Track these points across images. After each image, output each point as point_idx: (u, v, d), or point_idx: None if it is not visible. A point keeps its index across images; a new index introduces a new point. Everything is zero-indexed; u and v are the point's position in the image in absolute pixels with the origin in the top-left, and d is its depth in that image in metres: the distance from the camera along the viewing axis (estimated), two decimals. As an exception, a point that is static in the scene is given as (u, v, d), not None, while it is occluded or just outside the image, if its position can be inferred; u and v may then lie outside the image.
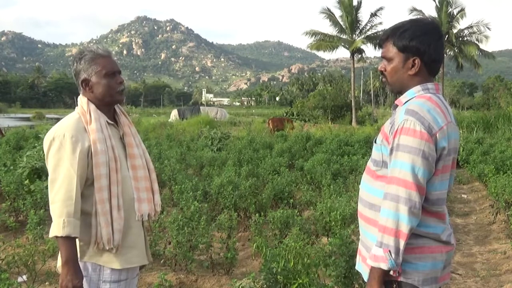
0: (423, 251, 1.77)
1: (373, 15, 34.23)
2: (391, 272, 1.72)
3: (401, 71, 1.85)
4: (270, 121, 23.74)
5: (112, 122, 2.15)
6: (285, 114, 40.47)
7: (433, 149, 1.71)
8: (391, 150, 1.75)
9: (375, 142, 1.90)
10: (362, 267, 1.91)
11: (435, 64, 1.85)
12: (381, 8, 34.08)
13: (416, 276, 1.75)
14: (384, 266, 1.69)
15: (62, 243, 1.95)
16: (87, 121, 2.06)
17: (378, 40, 1.99)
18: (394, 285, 1.76)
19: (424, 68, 1.83)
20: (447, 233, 1.83)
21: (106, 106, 2.14)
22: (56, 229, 1.94)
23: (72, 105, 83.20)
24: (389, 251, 1.68)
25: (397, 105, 1.89)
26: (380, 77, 1.99)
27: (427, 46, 1.80)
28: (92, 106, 2.09)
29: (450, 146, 1.76)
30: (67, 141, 2.00)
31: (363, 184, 1.94)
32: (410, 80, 1.85)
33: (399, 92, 1.91)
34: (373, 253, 1.73)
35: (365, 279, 1.89)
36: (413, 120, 1.70)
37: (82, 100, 2.13)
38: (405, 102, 1.82)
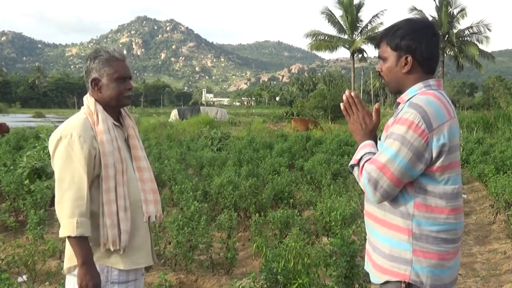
0: (433, 256, 1.75)
1: (374, 16, 34.29)
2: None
3: (395, 69, 1.87)
4: (292, 121, 25.06)
5: (117, 124, 2.15)
6: (285, 114, 40.45)
7: (424, 146, 1.70)
8: (386, 136, 1.78)
9: (379, 139, 1.90)
10: (371, 268, 1.89)
11: (429, 62, 1.85)
12: (382, 10, 34.13)
13: (424, 279, 1.74)
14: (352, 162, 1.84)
15: (77, 243, 1.94)
16: (94, 121, 2.05)
17: (375, 41, 2.00)
18: (403, 285, 1.75)
19: (418, 66, 1.84)
20: (446, 236, 1.79)
21: (112, 108, 2.15)
22: (69, 230, 1.93)
23: (72, 105, 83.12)
24: (357, 164, 1.82)
25: (399, 103, 1.89)
26: (379, 78, 2.01)
27: (418, 43, 1.81)
28: (100, 107, 2.09)
29: (452, 143, 1.75)
30: (75, 140, 1.99)
31: None
32: (405, 78, 1.86)
33: (397, 91, 1.91)
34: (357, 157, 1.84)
35: (373, 280, 1.88)
36: (414, 112, 1.71)
37: (89, 100, 2.12)
38: (408, 100, 1.82)
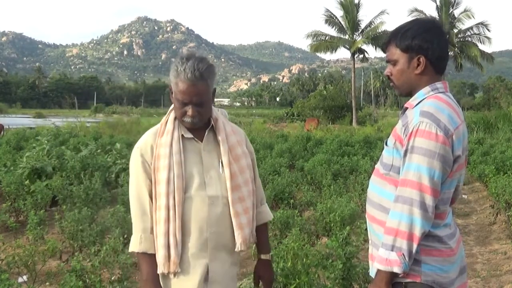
0: (440, 254, 1.74)
1: (376, 16, 34.31)
2: (400, 274, 1.70)
3: (407, 72, 1.83)
4: (307, 120, 28.03)
5: (190, 136, 1.93)
6: (285, 115, 40.60)
7: (449, 151, 1.68)
8: (405, 152, 1.71)
9: (386, 144, 1.86)
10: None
11: (440, 61, 1.83)
12: (382, 12, 34.15)
13: (435, 277, 1.73)
14: (398, 269, 1.66)
15: (140, 259, 1.89)
16: (160, 133, 1.93)
17: (382, 44, 1.97)
18: (403, 286, 1.74)
19: (430, 66, 1.81)
20: (448, 233, 1.80)
21: None
22: (134, 245, 1.89)
23: (73, 106, 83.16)
24: (403, 254, 1.66)
25: (406, 108, 1.85)
26: (381, 78, 1.99)
27: (429, 43, 1.78)
28: (171, 117, 1.94)
29: (463, 145, 1.75)
30: (138, 154, 1.92)
31: (375, 188, 1.89)
32: (418, 80, 1.82)
33: (409, 94, 1.87)
34: (384, 256, 1.69)
35: None
36: (429, 122, 1.67)
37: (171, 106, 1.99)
38: (416, 104, 1.79)
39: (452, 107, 1.76)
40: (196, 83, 1.81)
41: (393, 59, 1.85)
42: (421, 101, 1.79)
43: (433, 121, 1.67)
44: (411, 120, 1.74)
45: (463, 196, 8.76)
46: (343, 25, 34.67)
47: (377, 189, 1.87)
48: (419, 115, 1.71)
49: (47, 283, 4.11)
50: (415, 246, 1.66)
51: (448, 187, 1.75)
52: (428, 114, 1.70)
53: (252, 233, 2.02)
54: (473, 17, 33.07)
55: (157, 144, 1.91)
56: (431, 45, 1.78)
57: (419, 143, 1.67)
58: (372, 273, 1.88)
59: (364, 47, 34.76)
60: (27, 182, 6.67)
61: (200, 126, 1.93)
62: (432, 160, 1.66)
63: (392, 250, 1.68)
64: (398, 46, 1.82)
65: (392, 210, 1.71)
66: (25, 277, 4.10)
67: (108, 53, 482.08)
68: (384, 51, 1.91)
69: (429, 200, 1.66)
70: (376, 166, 1.92)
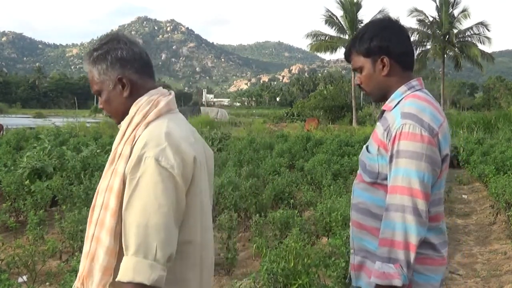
0: (433, 262, 1.69)
1: (374, 16, 34.31)
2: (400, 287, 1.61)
3: (374, 75, 1.77)
4: (307, 120, 28.02)
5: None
6: (285, 115, 40.65)
7: (436, 151, 1.62)
8: (391, 157, 1.63)
9: (368, 152, 1.77)
10: (368, 281, 1.72)
11: (405, 57, 1.77)
12: (381, 11, 34.15)
13: (415, 286, 1.66)
14: (398, 282, 1.54)
15: None
16: None
17: (344, 56, 1.90)
18: None
19: (396, 64, 1.75)
20: (442, 240, 1.73)
21: None
22: None
23: (72, 106, 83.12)
24: (401, 265, 1.55)
25: (384, 111, 1.79)
26: (361, 91, 1.94)
27: (388, 41, 1.74)
28: None
29: (448, 143, 1.71)
30: None
31: (362, 195, 1.78)
32: (387, 81, 1.76)
33: (383, 98, 1.82)
34: (380, 270, 1.58)
35: None
36: (412, 123, 1.60)
37: None
38: (395, 106, 1.73)
39: (433, 104, 1.70)
40: (86, 68, 1.58)
41: (358, 66, 1.80)
42: (399, 101, 1.73)
43: (416, 122, 1.61)
44: (393, 123, 1.67)
45: (463, 196, 8.77)
46: (343, 25, 34.71)
47: (365, 195, 1.77)
48: (401, 117, 1.64)
49: (47, 283, 4.12)
50: (412, 255, 1.56)
51: (438, 188, 1.69)
52: (410, 115, 1.63)
53: (99, 275, 1.40)
54: (469, 17, 33.06)
55: None
56: (390, 43, 1.74)
57: (404, 147, 1.59)
58: (361, 283, 1.78)
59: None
60: (27, 182, 6.67)
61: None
62: (420, 162, 1.58)
63: (389, 263, 1.58)
64: (359, 52, 1.78)
65: (384, 220, 1.62)
66: (25, 277, 4.11)
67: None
68: (348, 61, 1.86)
69: (421, 204, 1.57)
70: (358, 171, 1.83)
